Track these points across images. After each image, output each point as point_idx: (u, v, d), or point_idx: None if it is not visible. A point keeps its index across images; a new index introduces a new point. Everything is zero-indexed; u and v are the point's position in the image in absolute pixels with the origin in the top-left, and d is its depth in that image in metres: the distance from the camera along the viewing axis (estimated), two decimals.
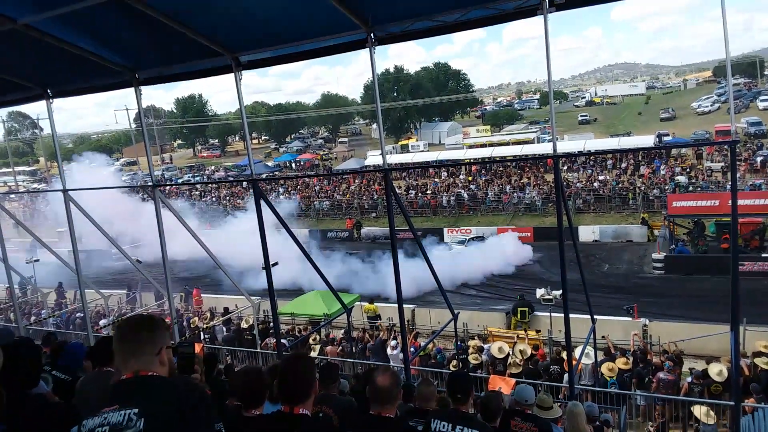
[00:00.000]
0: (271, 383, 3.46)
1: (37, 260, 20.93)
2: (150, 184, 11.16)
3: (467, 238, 31.46)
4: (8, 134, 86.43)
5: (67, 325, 19.60)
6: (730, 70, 7.35)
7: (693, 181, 35.08)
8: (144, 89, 10.03)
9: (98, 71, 9.45)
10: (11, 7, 7.02)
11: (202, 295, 22.36)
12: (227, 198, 49.80)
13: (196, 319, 18.41)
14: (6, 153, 69.48)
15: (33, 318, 19.58)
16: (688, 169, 37.95)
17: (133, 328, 2.21)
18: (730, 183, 7.49)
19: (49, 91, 10.72)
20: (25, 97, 11.16)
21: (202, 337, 16.64)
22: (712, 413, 9.61)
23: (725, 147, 34.98)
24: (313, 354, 14.04)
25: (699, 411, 9.69)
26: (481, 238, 30.77)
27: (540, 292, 20.80)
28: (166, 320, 15.48)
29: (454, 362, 13.04)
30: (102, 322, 17.84)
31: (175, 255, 16.15)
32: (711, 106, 65.34)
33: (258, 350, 14.93)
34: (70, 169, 36.60)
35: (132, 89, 9.90)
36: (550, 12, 6.78)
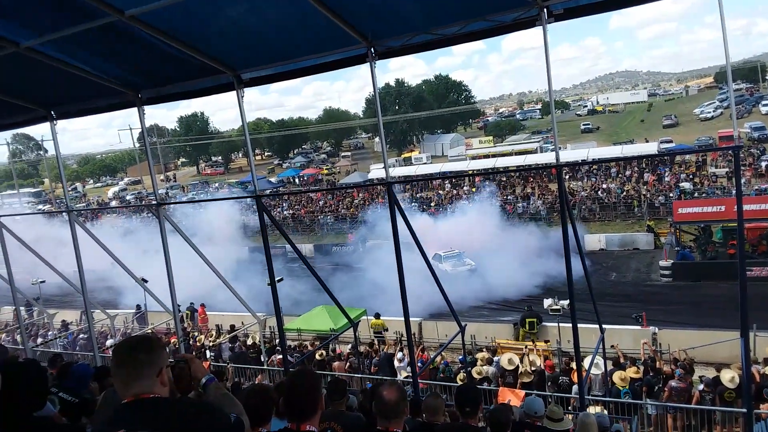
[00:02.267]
0: (278, 400, 3.44)
1: (43, 281, 20.93)
2: (154, 202, 11.19)
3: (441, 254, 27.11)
4: (13, 156, 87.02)
5: (73, 346, 19.58)
6: (730, 76, 7.35)
7: (698, 187, 34.99)
8: (147, 108, 10.09)
9: (101, 92, 9.52)
10: (14, 31, 7.09)
11: (207, 313, 22.32)
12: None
13: (202, 337, 18.37)
14: (11, 175, 69.81)
15: (39, 340, 19.56)
16: (692, 176, 37.87)
17: (130, 351, 2.15)
18: (735, 188, 7.46)
19: (52, 112, 10.78)
20: (29, 119, 11.21)
21: (207, 355, 16.59)
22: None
23: (729, 152, 34.90)
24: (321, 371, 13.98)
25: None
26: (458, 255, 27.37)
27: (547, 302, 20.64)
28: (172, 339, 15.49)
29: (461, 375, 12.94)
30: (108, 343, 17.81)
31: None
32: (713, 111, 65.34)
33: (265, 367, 14.86)
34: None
35: (135, 109, 9.96)
36: (549, 23, 6.80)
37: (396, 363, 14.25)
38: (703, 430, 10.25)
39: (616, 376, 11.45)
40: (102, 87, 9.14)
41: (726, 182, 35.35)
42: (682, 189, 34.43)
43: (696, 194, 33.18)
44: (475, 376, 12.88)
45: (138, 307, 21.99)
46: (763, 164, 37.11)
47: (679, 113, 69.84)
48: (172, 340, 15.31)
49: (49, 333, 20.17)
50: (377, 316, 18.29)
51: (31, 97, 10.33)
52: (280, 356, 13.08)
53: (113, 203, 64.60)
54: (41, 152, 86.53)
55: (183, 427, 2.01)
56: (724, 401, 10.55)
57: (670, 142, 49.26)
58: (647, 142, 50.58)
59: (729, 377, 10.67)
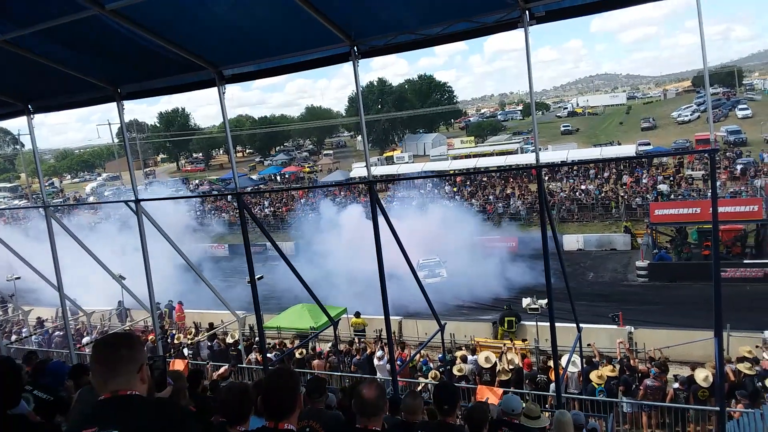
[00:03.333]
0: (256, 398, 3.43)
1: (18, 278, 20.56)
2: (133, 199, 11.06)
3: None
4: None
5: (49, 344, 19.28)
6: (708, 80, 7.51)
7: (674, 189, 35.55)
8: (126, 103, 9.97)
9: (80, 86, 9.40)
10: None
11: (184, 311, 22.12)
12: (212, 212, 49.50)
13: (181, 335, 18.19)
14: None
15: (14, 337, 19.22)
16: (670, 178, 38.47)
17: (112, 347, 2.14)
18: (711, 191, 7.59)
19: (30, 106, 10.62)
20: (5, 112, 11.02)
21: (186, 353, 16.44)
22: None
23: (705, 155, 35.51)
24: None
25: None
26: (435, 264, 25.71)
27: (526, 301, 20.88)
28: (149, 337, 15.32)
29: (433, 373, 12.98)
30: (85, 340, 17.57)
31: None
32: (691, 115, 66.43)
33: (243, 365, 14.78)
34: None
35: (114, 104, 9.84)
36: (531, 25, 6.88)
37: (375, 361, 14.28)
38: (677, 428, 10.43)
39: (594, 375, 11.60)
40: (81, 81, 9.02)
41: (702, 185, 35.96)
42: (659, 191, 34.97)
43: (672, 196, 33.72)
44: (456, 373, 12.96)
45: (119, 303, 21.81)
46: (739, 167, 37.85)
47: (657, 116, 70.91)
48: (150, 338, 15.14)
49: (24, 330, 19.82)
50: (357, 314, 18.29)
51: (7, 91, 10.16)
52: (260, 354, 13.03)
53: (90, 199, 63.62)
54: (18, 146, 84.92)
55: (156, 426, 2.00)
56: (698, 400, 10.75)
57: (648, 144, 49.97)
58: (619, 144, 51.40)
59: (703, 376, 10.86)
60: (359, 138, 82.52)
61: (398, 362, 12.04)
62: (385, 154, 71.74)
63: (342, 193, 48.26)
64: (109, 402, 2.04)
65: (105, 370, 2.09)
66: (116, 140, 69.29)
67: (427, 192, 44.27)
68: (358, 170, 53.10)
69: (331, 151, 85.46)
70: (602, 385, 11.33)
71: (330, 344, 15.88)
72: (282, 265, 10.86)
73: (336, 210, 35.70)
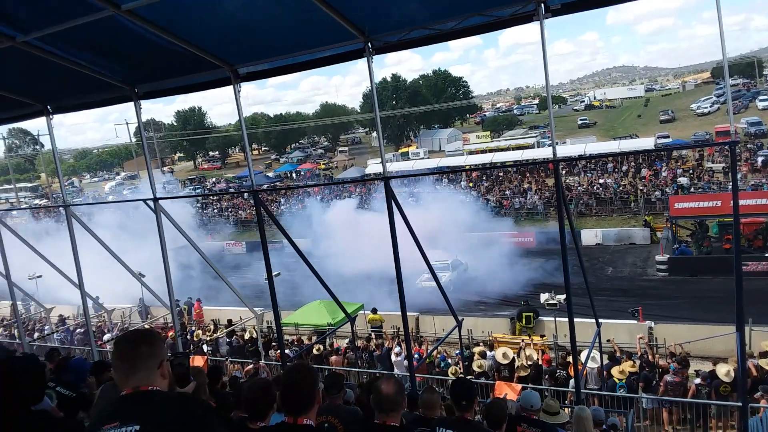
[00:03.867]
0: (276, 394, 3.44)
1: (40, 276, 20.89)
2: (151, 197, 11.17)
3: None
4: (9, 150, 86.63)
5: (71, 341, 19.58)
6: (727, 71, 7.40)
7: (694, 182, 35.07)
8: (143, 103, 10.05)
9: (97, 86, 9.50)
10: (10, 25, 7.06)
11: (203, 308, 22.32)
12: (229, 209, 49.86)
13: (200, 332, 18.37)
14: (7, 170, 69.58)
15: (36, 334, 19.54)
16: (690, 171, 37.94)
17: (133, 343, 2.18)
18: (731, 183, 7.47)
19: (48, 107, 10.76)
20: (25, 113, 11.18)
21: (205, 349, 16.60)
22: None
23: (726, 147, 34.97)
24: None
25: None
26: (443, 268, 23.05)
27: (544, 296, 20.71)
28: (169, 333, 15.48)
29: (452, 369, 12.96)
30: (105, 337, 17.81)
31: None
32: (710, 107, 65.45)
33: (262, 362, 14.88)
34: None
35: (132, 103, 9.94)
36: (546, 18, 6.80)
37: (393, 357, 14.29)
38: (699, 424, 10.30)
39: (615, 370, 11.51)
40: (98, 81, 9.11)
41: (722, 177, 35.42)
42: (680, 184, 34.50)
43: (692, 189, 33.26)
44: (476, 369, 12.93)
45: (140, 300, 22.10)
46: (760, 159, 37.19)
47: (676, 108, 69.97)
48: (170, 335, 15.30)
49: (46, 327, 20.15)
50: (374, 311, 18.31)
51: (27, 92, 10.30)
52: (278, 351, 13.11)
53: (110, 198, 64.39)
54: (37, 147, 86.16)
55: (177, 421, 2.01)
56: (720, 395, 10.61)
57: (667, 137, 49.32)
58: (638, 137, 50.72)
59: (725, 371, 10.72)
60: (374, 134, 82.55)
61: (416, 357, 12.04)
62: (400, 150, 71.64)
63: (357, 189, 48.31)
64: (130, 398, 2.07)
65: (126, 366, 2.12)
66: (134, 139, 69.96)
67: (442, 187, 44.17)
68: (374, 166, 53.10)
69: (346, 148, 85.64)
70: (623, 381, 11.24)
71: (347, 340, 15.94)
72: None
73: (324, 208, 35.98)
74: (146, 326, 17.95)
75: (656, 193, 34.59)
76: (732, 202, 7.52)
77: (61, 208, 12.40)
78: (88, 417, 4.19)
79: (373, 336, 16.69)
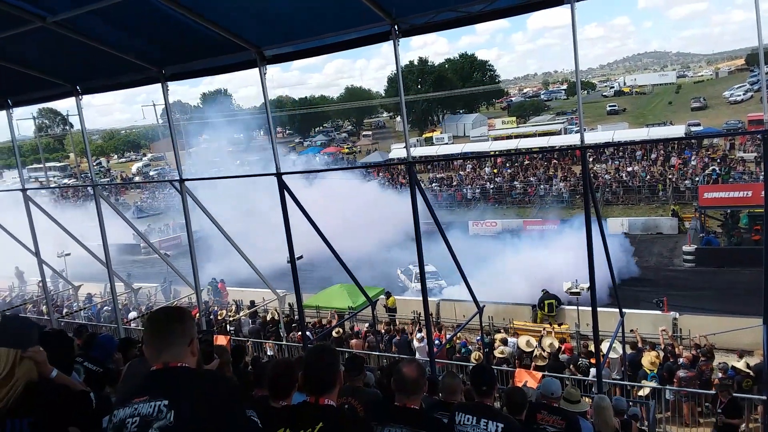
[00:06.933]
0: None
1: (68, 254, 21.34)
2: (177, 179, 11.30)
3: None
4: (39, 130, 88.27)
5: (98, 318, 20.03)
6: (762, 58, 7.13)
7: (722, 174, 34.18)
8: (170, 84, 10.12)
9: (125, 68, 9.59)
10: (40, 5, 7.14)
11: (227, 288, 22.62)
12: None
13: (224, 311, 18.64)
14: (37, 149, 70.87)
15: (65, 311, 20.02)
16: (718, 160, 37.04)
17: (166, 320, 2.24)
18: (763, 174, 7.27)
19: (78, 87, 10.90)
20: (55, 93, 11.34)
21: (228, 329, 16.85)
22: None
23: (758, 137, 34.01)
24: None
25: None
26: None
27: (567, 284, 20.52)
28: (194, 313, 15.75)
29: (475, 354, 12.96)
30: (131, 315, 18.17)
31: None
32: (744, 95, 63.60)
33: (283, 343, 15.06)
34: None
35: (158, 85, 10.02)
36: (577, 1, 6.66)
37: (415, 343, 14.31)
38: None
39: (646, 360, 11.40)
40: (126, 63, 9.20)
41: (754, 167, 34.53)
42: (719, 173, 33.44)
43: (722, 179, 32.46)
44: (498, 355, 12.91)
45: (165, 279, 22.54)
46: None
47: (708, 96, 68.18)
48: (195, 314, 15.55)
49: (74, 305, 20.63)
50: (388, 294, 18.36)
51: (56, 72, 10.44)
52: (300, 332, 13.25)
53: (137, 179, 65.37)
54: (67, 127, 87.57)
55: (204, 398, 2.05)
56: (742, 389, 10.45)
57: (698, 125, 48.20)
58: (671, 124, 49.58)
59: (742, 364, 10.60)
60: (398, 119, 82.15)
61: (435, 343, 12.06)
62: (424, 135, 71.24)
63: (381, 174, 48.25)
64: (160, 373, 2.12)
65: (158, 341, 2.18)
66: (160, 121, 70.68)
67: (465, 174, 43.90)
68: (397, 151, 52.94)
69: (370, 132, 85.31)
70: (654, 371, 11.13)
71: (367, 324, 16.03)
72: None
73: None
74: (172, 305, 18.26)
75: (685, 182, 33.88)
76: (763, 192, 7.34)
77: (89, 188, 12.60)
78: (114, 392, 4.28)
79: (393, 321, 16.77)
